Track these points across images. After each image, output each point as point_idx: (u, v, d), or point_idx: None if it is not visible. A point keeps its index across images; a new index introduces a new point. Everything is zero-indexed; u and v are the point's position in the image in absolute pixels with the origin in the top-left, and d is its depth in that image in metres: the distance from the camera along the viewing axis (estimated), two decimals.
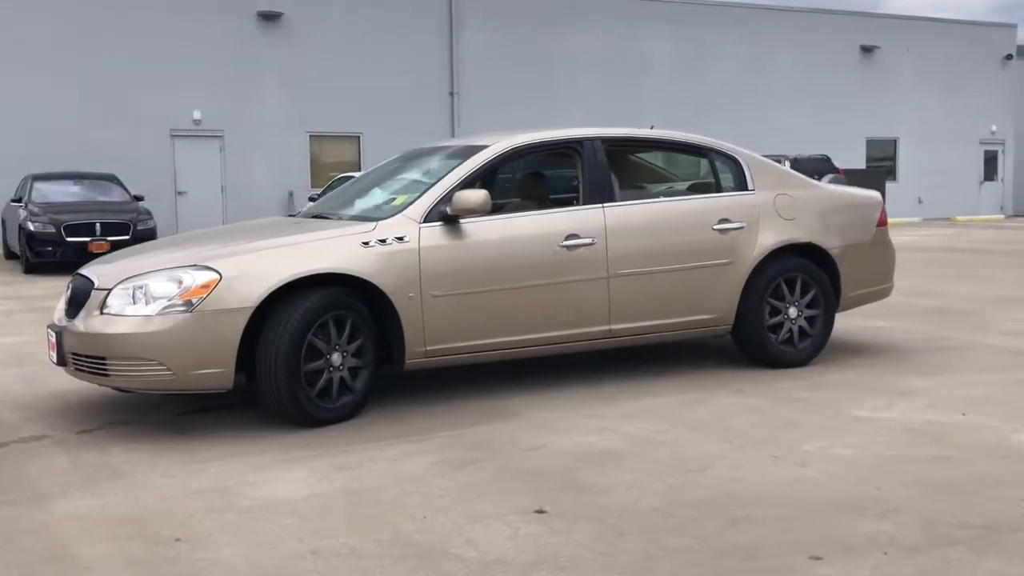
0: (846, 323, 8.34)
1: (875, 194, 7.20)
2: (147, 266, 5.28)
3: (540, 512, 3.88)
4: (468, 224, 5.68)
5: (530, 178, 6.82)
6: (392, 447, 4.87)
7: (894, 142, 31.75)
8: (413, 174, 6.30)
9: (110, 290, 5.16)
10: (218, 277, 5.06)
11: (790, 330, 6.54)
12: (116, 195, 17.58)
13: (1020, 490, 4.01)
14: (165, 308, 5.01)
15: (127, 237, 15.51)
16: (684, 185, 6.94)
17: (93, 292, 5.25)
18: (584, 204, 6.09)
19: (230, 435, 5.18)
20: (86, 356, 5.17)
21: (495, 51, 25.27)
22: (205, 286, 5.04)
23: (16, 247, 16.85)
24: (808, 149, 27.40)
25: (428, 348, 5.55)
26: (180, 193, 22.20)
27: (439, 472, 4.45)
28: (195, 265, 5.14)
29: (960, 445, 4.68)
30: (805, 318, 6.61)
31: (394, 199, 5.99)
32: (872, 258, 6.97)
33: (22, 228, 16.01)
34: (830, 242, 6.66)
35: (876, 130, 31.34)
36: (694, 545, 3.51)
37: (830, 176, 21.53)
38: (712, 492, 4.07)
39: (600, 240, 5.96)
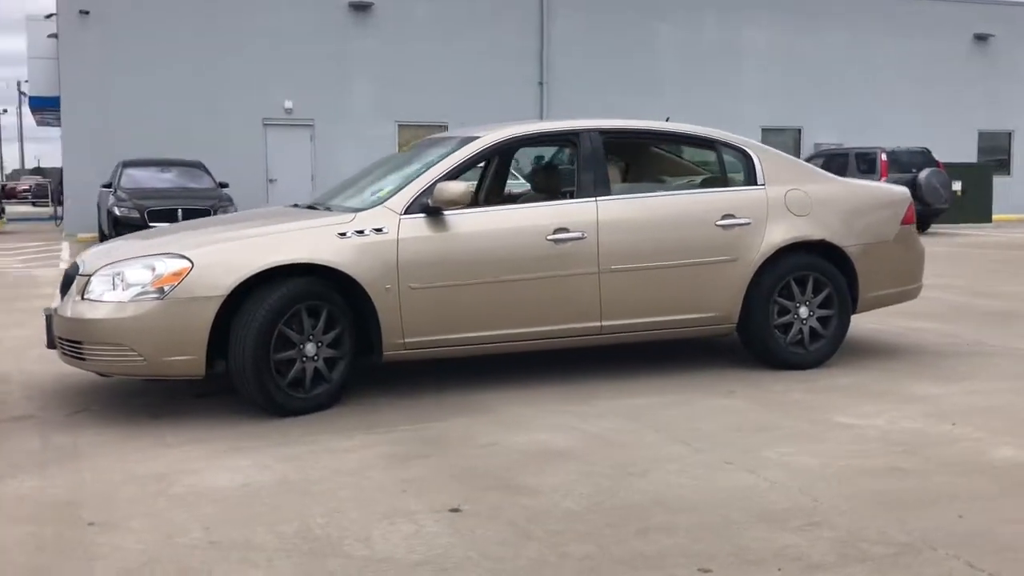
0: (883, 322, 8.00)
1: (901, 190, 6.87)
2: (128, 253, 5.38)
3: (455, 511, 3.82)
4: (452, 216, 5.62)
5: (543, 170, 6.71)
6: (351, 438, 4.86)
7: (1009, 134, 30.38)
8: (414, 164, 6.26)
9: (91, 276, 5.28)
10: (190, 265, 5.12)
11: (800, 331, 6.30)
12: (202, 182, 18.07)
13: (964, 506, 3.77)
14: (138, 295, 5.09)
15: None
16: (697, 179, 6.74)
17: (77, 278, 5.38)
18: (578, 197, 5.97)
19: (204, 422, 5.24)
20: (68, 340, 5.30)
21: (586, 39, 25.08)
22: (177, 274, 5.10)
23: (107, 231, 17.47)
24: (917, 142, 26.42)
25: (407, 340, 5.52)
26: (271, 181, 22.70)
27: (383, 466, 4.41)
28: (169, 253, 5.21)
29: (930, 457, 4.43)
30: (818, 318, 6.36)
31: (383, 190, 5.96)
32: (895, 257, 6.65)
33: (109, 212, 16.60)
34: (847, 240, 6.38)
35: (989, 122, 30.03)
36: (594, 552, 3.39)
37: (928, 170, 20.69)
38: (641, 497, 3.94)
39: (591, 234, 5.82)
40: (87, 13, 21.27)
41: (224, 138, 21.94)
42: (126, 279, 5.16)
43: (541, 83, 24.75)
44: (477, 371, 6.31)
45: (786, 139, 27.00)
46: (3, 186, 62.25)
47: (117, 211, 16.33)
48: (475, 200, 7.29)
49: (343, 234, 5.41)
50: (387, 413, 5.37)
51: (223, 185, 18.01)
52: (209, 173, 18.46)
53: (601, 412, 5.30)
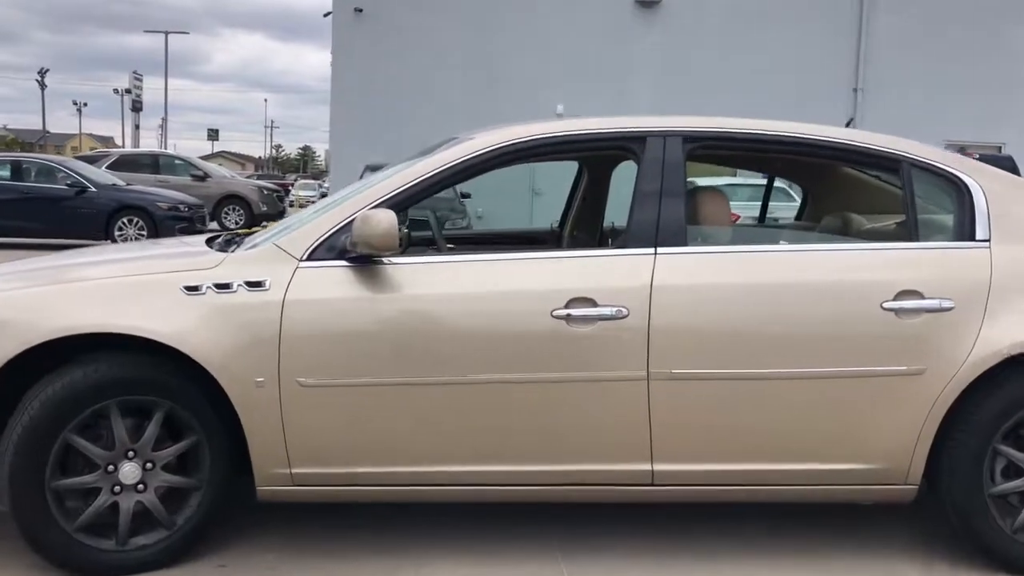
0: None
1: None
2: None
3: None
4: (394, 267, 3.36)
5: (697, 195, 4.06)
6: None
7: None
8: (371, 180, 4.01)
9: None
10: None
11: None
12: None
13: None
14: None
15: (429, 232, 14.45)
16: (869, 226, 4.00)
17: None
18: (626, 246, 3.48)
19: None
20: None
21: (915, 39, 21.20)
22: None
23: None
24: None
25: (295, 471, 3.32)
26: (536, 193, 21.00)
27: None
28: None
29: None
30: None
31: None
32: None
33: None
34: None
35: None
36: None
37: None
38: None
39: (638, 310, 3.32)
40: (360, 11, 20.62)
41: None
42: None
43: (856, 89, 21.27)
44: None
45: None
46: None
47: None
48: (559, 235, 4.99)
49: (194, 288, 3.29)
50: None
51: (465, 196, 16.45)
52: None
53: None
